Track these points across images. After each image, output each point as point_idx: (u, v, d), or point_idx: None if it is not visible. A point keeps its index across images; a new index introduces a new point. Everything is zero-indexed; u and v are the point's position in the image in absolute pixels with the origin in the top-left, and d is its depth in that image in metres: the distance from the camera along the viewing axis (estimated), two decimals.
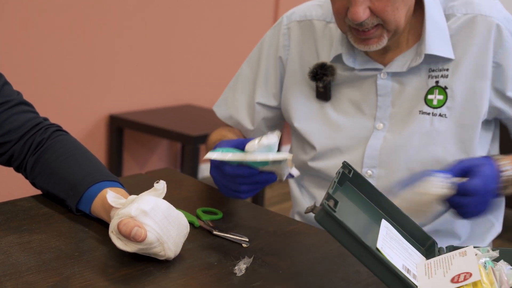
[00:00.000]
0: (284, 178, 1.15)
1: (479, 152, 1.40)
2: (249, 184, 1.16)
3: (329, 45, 1.47)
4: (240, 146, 1.15)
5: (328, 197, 0.90)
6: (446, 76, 1.38)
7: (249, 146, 1.11)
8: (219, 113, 1.62)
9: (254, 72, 1.58)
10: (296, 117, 1.51)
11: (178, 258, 1.05)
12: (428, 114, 1.39)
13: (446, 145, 1.38)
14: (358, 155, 1.43)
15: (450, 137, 1.38)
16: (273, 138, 1.10)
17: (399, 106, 1.42)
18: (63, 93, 3.30)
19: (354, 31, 1.34)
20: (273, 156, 1.09)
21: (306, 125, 1.50)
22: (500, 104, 1.39)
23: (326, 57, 1.47)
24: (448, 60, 1.38)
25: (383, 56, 1.42)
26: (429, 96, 1.39)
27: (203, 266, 1.05)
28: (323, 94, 1.48)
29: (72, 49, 3.28)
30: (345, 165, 1.05)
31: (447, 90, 1.38)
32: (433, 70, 1.39)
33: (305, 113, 1.50)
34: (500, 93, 1.38)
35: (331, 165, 1.46)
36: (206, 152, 1.23)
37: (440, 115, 1.38)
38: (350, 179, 1.05)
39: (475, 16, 1.37)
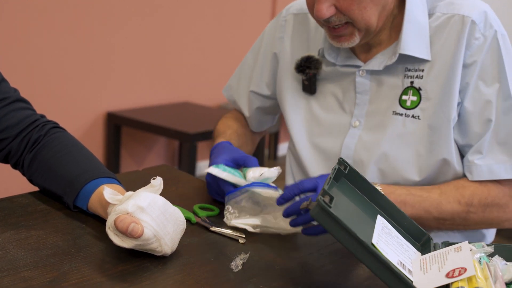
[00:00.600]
0: None
1: (449, 155, 1.35)
2: None
3: (320, 39, 1.48)
4: (240, 162, 1.29)
5: (324, 193, 0.90)
6: (421, 77, 1.35)
7: (250, 177, 1.23)
8: (227, 96, 1.70)
9: (254, 61, 1.63)
10: (286, 108, 1.54)
11: (175, 254, 1.06)
12: (401, 115, 1.37)
13: (418, 147, 1.36)
14: (335, 153, 1.44)
15: (421, 139, 1.35)
16: (273, 173, 1.24)
17: (375, 105, 1.41)
18: (60, 91, 3.30)
19: (326, 27, 1.35)
20: (265, 191, 1.21)
21: (292, 117, 1.52)
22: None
23: (315, 51, 1.49)
24: (424, 60, 1.35)
25: (367, 53, 1.42)
26: (403, 97, 1.37)
27: (200, 262, 1.06)
28: (308, 87, 1.49)
29: (70, 46, 3.28)
30: (341, 161, 1.06)
31: (421, 92, 1.35)
32: (409, 70, 1.37)
33: (292, 105, 1.53)
34: (461, 92, 1.34)
35: (313, 161, 1.48)
36: (214, 140, 1.50)
37: (413, 116, 1.36)
38: (345, 175, 1.05)
39: (452, 16, 1.34)
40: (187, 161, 3.36)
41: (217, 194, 1.31)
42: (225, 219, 1.20)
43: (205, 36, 3.96)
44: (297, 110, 1.52)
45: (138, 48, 3.60)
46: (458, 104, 1.33)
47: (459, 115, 1.34)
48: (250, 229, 1.18)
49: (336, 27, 1.32)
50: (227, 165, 1.28)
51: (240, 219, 1.19)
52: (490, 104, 1.31)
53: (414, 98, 1.36)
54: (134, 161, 3.77)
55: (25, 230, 1.09)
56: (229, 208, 1.20)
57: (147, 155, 3.85)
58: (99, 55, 3.42)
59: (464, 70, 1.32)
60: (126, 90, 3.61)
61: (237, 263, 1.04)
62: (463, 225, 1.34)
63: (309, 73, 1.47)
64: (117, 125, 3.52)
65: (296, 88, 1.52)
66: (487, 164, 1.32)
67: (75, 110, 3.39)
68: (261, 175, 1.23)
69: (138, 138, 3.75)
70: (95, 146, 3.51)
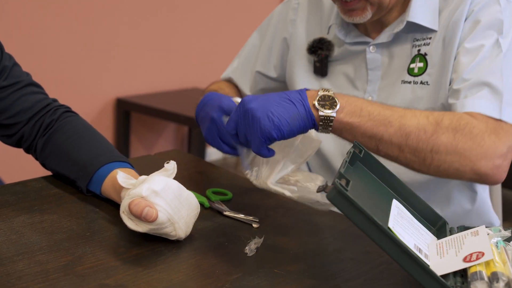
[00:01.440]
0: None
1: None
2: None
3: (333, 16, 1.47)
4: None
5: (340, 176, 0.89)
6: (428, 44, 1.35)
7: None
8: (222, 75, 1.67)
9: (261, 42, 1.62)
10: None
11: (189, 238, 1.06)
12: (410, 83, 1.37)
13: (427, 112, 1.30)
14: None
15: (431, 104, 1.34)
16: None
17: (387, 78, 1.41)
18: (70, 77, 3.29)
19: (338, 1, 1.34)
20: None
21: None
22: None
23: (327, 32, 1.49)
24: (432, 30, 1.35)
25: (380, 31, 1.41)
26: (411, 65, 1.37)
27: (214, 246, 1.05)
28: (319, 69, 1.48)
29: (79, 32, 3.27)
30: (356, 145, 1.05)
31: (426, 57, 1.35)
32: (417, 40, 1.37)
33: (304, 87, 1.51)
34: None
35: (327, 141, 1.46)
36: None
37: (421, 82, 1.35)
38: (361, 159, 1.05)
39: None
40: (196, 147, 3.35)
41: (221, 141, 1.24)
42: (255, 182, 1.18)
43: (214, 22, 3.94)
44: None
45: (147, 34, 3.59)
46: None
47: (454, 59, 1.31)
48: (288, 194, 1.15)
49: (348, 1, 1.31)
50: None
51: (272, 179, 1.15)
52: (483, 47, 1.27)
53: (421, 65, 1.36)
54: (144, 147, 3.77)
55: (39, 214, 1.09)
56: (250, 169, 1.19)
57: (157, 141, 3.84)
58: (108, 41, 3.41)
59: (464, 24, 1.31)
60: (135, 76, 3.60)
61: (251, 247, 1.03)
62: (430, 148, 1.17)
63: (321, 54, 1.46)
64: (126, 111, 3.52)
65: (308, 71, 1.52)
66: (467, 98, 1.25)
67: (84, 96, 3.39)
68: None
69: (148, 124, 3.75)
70: (105, 132, 3.51)
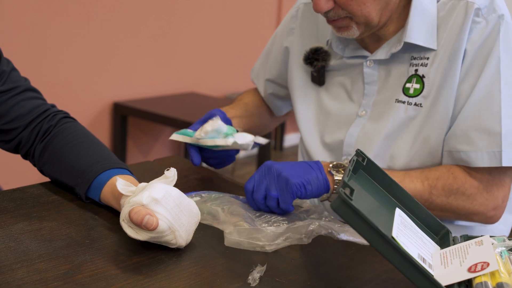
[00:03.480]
0: (250, 149, 1.34)
1: (439, 145, 1.33)
2: (214, 158, 1.38)
3: (329, 29, 1.47)
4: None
5: (344, 185, 0.88)
6: (426, 65, 1.33)
7: (196, 133, 1.31)
8: (251, 76, 1.73)
9: (269, 50, 1.65)
10: (296, 99, 1.54)
11: (190, 246, 1.05)
12: (404, 102, 1.35)
13: (416, 136, 1.34)
14: (339, 142, 1.43)
15: (421, 128, 1.33)
16: (216, 123, 1.28)
17: (382, 94, 1.40)
18: (67, 81, 3.28)
19: (325, 18, 1.34)
20: (219, 141, 1.28)
21: (301, 108, 1.52)
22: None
23: (324, 41, 1.49)
24: (430, 49, 1.33)
25: (377, 44, 1.40)
26: (407, 85, 1.36)
27: (215, 254, 1.04)
28: (317, 78, 1.49)
29: (76, 36, 3.26)
30: (359, 153, 1.04)
31: (424, 79, 1.33)
32: (414, 58, 1.35)
33: (302, 96, 1.53)
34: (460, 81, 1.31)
35: (321, 152, 1.48)
36: None
37: (415, 104, 1.34)
38: (363, 167, 1.04)
39: (458, 2, 1.31)
40: None
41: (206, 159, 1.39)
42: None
43: (211, 26, 3.94)
44: (306, 101, 1.51)
45: (144, 38, 3.58)
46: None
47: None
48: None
49: (331, 19, 1.32)
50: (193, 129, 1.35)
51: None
52: (471, 89, 1.28)
53: (417, 86, 1.34)
54: (140, 151, 3.75)
55: (38, 221, 1.08)
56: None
57: (154, 145, 3.83)
58: (105, 45, 3.41)
59: (465, 57, 1.29)
60: (132, 80, 3.59)
61: (255, 276, 0.97)
62: (426, 207, 1.23)
63: (317, 65, 1.46)
64: (123, 115, 3.51)
65: (306, 79, 1.52)
66: (464, 151, 1.28)
67: (81, 100, 3.38)
68: (201, 129, 1.30)
69: (144, 128, 3.74)
70: (102, 136, 3.50)
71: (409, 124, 1.35)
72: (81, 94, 3.37)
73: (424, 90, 1.33)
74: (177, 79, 3.84)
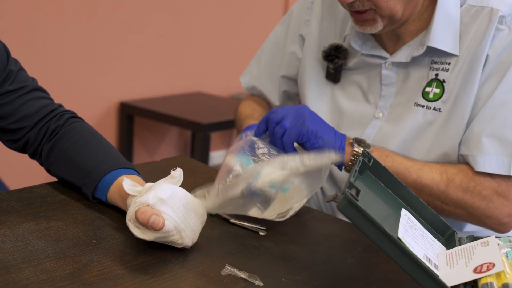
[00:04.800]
0: None
1: (455, 150, 1.33)
2: None
3: (348, 25, 1.46)
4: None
5: (350, 185, 0.89)
6: (447, 70, 1.33)
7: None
8: (244, 83, 1.68)
9: (280, 45, 1.60)
10: (308, 95, 1.51)
11: (196, 246, 1.05)
12: (423, 106, 1.35)
13: (434, 140, 1.34)
14: None
15: (439, 133, 1.33)
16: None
17: (400, 97, 1.39)
18: (73, 81, 3.29)
19: (349, 12, 1.33)
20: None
21: (315, 105, 1.49)
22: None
23: (343, 37, 1.47)
24: (452, 54, 1.32)
25: (395, 43, 1.40)
26: (427, 89, 1.35)
27: (221, 254, 1.05)
28: (333, 75, 1.47)
29: (83, 36, 3.27)
30: (365, 154, 1.04)
31: (444, 84, 1.33)
32: (435, 62, 1.35)
33: (315, 92, 1.50)
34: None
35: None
36: (241, 124, 1.55)
37: (434, 109, 1.33)
38: (370, 168, 1.04)
39: (482, 9, 1.31)
40: (200, 151, 3.34)
41: None
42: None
43: (218, 25, 3.94)
44: (319, 98, 1.49)
45: (150, 38, 3.59)
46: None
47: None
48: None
49: (359, 12, 1.30)
50: None
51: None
52: (489, 95, 1.28)
53: (437, 91, 1.34)
54: (147, 151, 3.76)
55: (45, 221, 1.09)
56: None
57: (160, 145, 3.84)
58: (112, 45, 3.41)
59: (486, 63, 1.29)
60: (138, 80, 3.60)
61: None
62: (441, 200, 1.29)
63: (337, 62, 1.44)
64: (130, 115, 3.51)
65: (321, 75, 1.50)
66: (480, 154, 1.28)
67: (87, 100, 3.38)
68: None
69: (151, 128, 3.75)
70: (108, 136, 3.50)
71: (427, 128, 1.34)
72: (87, 95, 3.38)
73: (444, 95, 1.33)
74: (183, 79, 3.84)
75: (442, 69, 1.34)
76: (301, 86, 1.54)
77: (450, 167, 1.30)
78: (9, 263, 0.94)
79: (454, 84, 1.32)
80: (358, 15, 1.31)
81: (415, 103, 1.36)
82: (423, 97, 1.35)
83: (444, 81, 1.33)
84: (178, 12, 3.69)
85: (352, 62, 1.45)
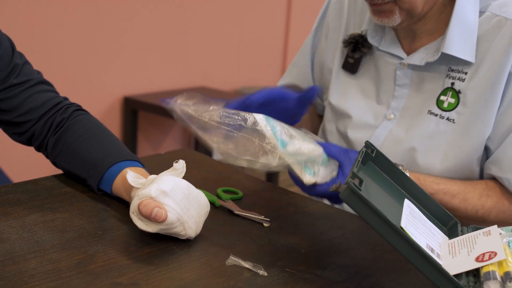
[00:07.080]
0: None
1: (473, 164, 1.32)
2: None
3: (366, 19, 1.45)
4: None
5: (353, 175, 0.89)
6: (463, 80, 1.30)
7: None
8: (285, 80, 1.62)
9: (317, 36, 1.58)
10: (331, 80, 1.50)
11: (200, 237, 1.06)
12: (436, 115, 1.33)
13: (446, 150, 1.32)
14: (362, 141, 1.40)
15: (452, 145, 1.31)
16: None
17: (413, 101, 1.37)
18: (77, 76, 3.30)
19: (368, 2, 1.31)
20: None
21: (331, 92, 1.48)
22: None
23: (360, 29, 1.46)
24: (470, 63, 1.30)
25: (411, 41, 1.38)
26: (442, 97, 1.33)
27: (225, 245, 1.05)
28: (351, 65, 1.45)
29: (87, 31, 3.28)
30: (368, 145, 1.05)
31: (460, 95, 1.30)
32: (452, 70, 1.32)
33: (334, 79, 1.49)
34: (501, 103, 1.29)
35: (336, 143, 1.46)
36: None
37: (448, 119, 1.32)
38: (372, 159, 1.05)
39: (506, 20, 1.28)
40: (203, 146, 3.34)
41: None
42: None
43: (222, 20, 3.94)
44: (334, 87, 1.49)
45: (154, 32, 3.59)
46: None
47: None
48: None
49: (378, 2, 1.28)
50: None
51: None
52: None
53: (452, 101, 1.32)
54: (151, 145, 3.77)
55: (51, 213, 1.10)
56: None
57: (164, 139, 3.85)
58: (116, 39, 3.42)
59: (509, 78, 1.27)
60: (142, 74, 3.61)
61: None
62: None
63: (363, 51, 1.43)
64: (134, 110, 3.52)
65: (339, 64, 1.49)
66: (501, 176, 1.29)
67: (92, 95, 3.39)
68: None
69: (155, 123, 3.75)
70: (112, 131, 3.47)
71: (438, 138, 1.32)
72: (92, 89, 3.39)
73: (459, 106, 1.31)
74: (187, 73, 3.85)
75: (459, 78, 1.31)
76: (319, 70, 1.54)
77: (487, 200, 1.30)
78: (16, 254, 0.95)
79: (471, 97, 1.29)
80: (376, 5, 1.29)
81: (428, 111, 1.34)
82: (437, 106, 1.33)
83: (459, 91, 1.31)
84: (182, 6, 3.69)
85: (367, 57, 1.44)
